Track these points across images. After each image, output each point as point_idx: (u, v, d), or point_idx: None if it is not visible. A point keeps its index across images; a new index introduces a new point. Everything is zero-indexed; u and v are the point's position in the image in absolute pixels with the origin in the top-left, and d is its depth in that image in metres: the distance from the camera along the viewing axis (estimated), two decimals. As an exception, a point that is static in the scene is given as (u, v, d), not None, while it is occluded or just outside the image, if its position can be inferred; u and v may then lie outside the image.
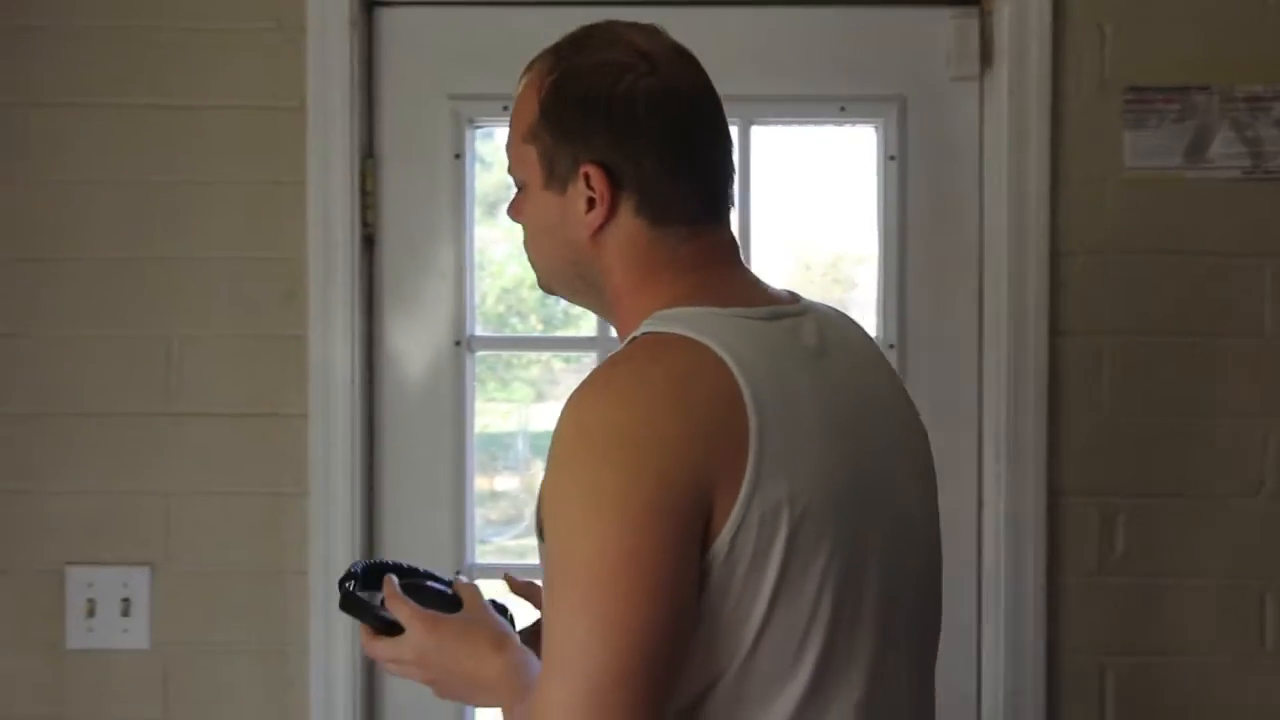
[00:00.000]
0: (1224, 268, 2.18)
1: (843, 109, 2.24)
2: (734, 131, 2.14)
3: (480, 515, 2.35)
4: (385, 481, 2.26)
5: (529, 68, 1.47)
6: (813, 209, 2.37)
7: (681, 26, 2.09)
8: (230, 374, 2.22)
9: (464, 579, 1.58)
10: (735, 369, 1.28)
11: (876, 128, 2.24)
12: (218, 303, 2.22)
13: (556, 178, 1.40)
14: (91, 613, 2.22)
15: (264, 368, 2.22)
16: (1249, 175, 2.16)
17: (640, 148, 1.38)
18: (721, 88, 2.16)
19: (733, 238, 1.45)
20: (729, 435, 1.26)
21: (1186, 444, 2.18)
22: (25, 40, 2.22)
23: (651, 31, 1.47)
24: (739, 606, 1.25)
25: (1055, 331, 2.16)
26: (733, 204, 1.46)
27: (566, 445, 1.29)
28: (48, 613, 2.22)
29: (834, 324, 1.45)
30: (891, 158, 2.22)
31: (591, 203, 1.37)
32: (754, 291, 1.44)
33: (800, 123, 2.33)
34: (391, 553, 2.26)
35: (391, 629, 1.52)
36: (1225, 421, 2.17)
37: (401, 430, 2.26)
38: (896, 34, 2.23)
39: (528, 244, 1.52)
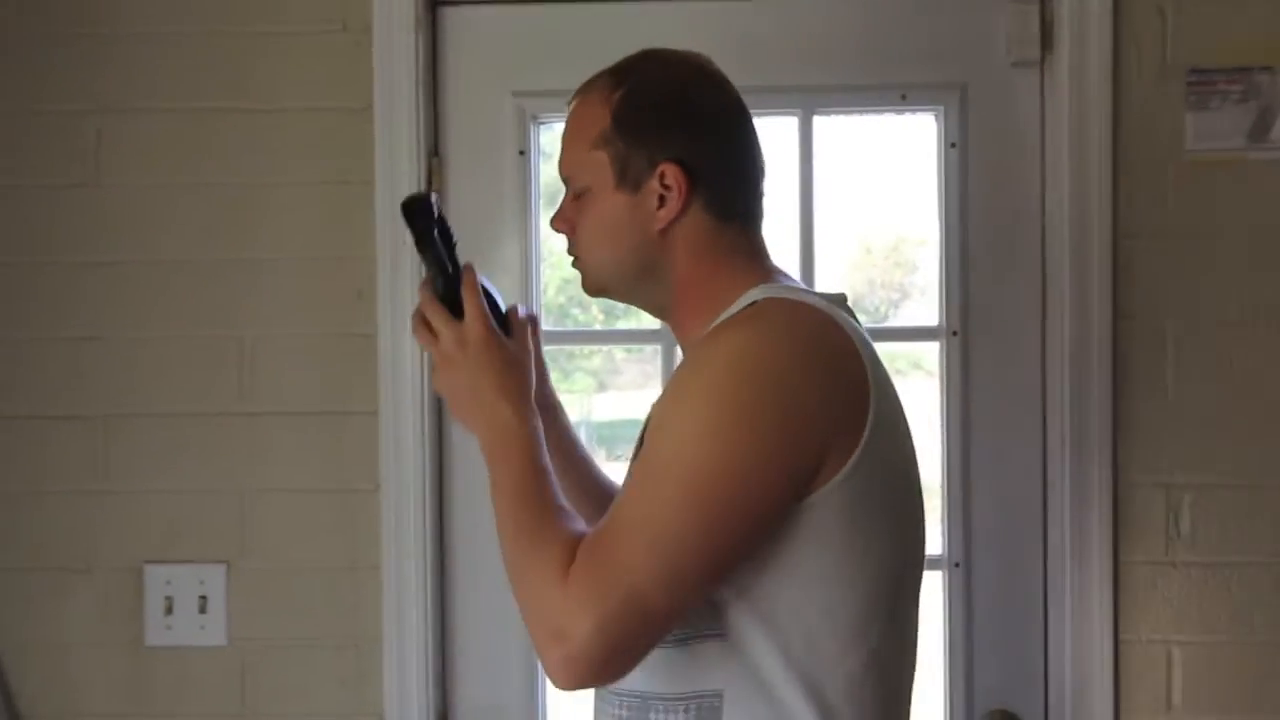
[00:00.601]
0: (1287, 248, 2.15)
1: (903, 97, 2.23)
2: (795, 121, 2.21)
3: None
4: (455, 475, 2.27)
5: (585, 88, 1.57)
6: (874, 195, 2.38)
7: (744, 18, 2.16)
8: (302, 372, 2.25)
9: (521, 310, 1.59)
10: (853, 337, 1.44)
11: (937, 115, 2.23)
12: (289, 302, 2.24)
13: (629, 179, 1.50)
14: (170, 610, 2.26)
15: (335, 366, 2.25)
16: (1313, 156, 2.13)
17: (711, 148, 1.52)
18: (783, 78, 2.26)
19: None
20: (856, 393, 1.41)
21: (1252, 427, 2.15)
22: (100, 47, 2.25)
23: (698, 55, 1.59)
24: (841, 546, 1.40)
25: (1119, 315, 2.16)
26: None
27: (718, 367, 1.39)
28: (127, 611, 2.25)
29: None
30: (953, 145, 2.22)
31: (662, 199, 1.49)
32: (801, 284, 1.59)
33: (861, 112, 2.31)
34: (461, 551, 2.30)
35: (454, 304, 1.52)
36: (1291, 404, 2.15)
37: None
38: (956, 20, 2.22)
39: (584, 248, 1.59)
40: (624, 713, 1.52)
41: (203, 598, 2.26)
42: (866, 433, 1.41)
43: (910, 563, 1.51)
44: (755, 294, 1.49)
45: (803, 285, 1.59)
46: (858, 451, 1.40)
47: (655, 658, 1.44)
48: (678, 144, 1.49)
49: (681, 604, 1.40)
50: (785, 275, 1.58)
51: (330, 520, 2.25)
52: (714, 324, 1.49)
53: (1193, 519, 2.16)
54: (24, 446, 2.26)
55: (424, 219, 1.54)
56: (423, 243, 1.53)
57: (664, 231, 1.51)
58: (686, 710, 1.48)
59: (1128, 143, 2.16)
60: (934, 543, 2.23)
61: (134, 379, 2.25)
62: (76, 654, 2.26)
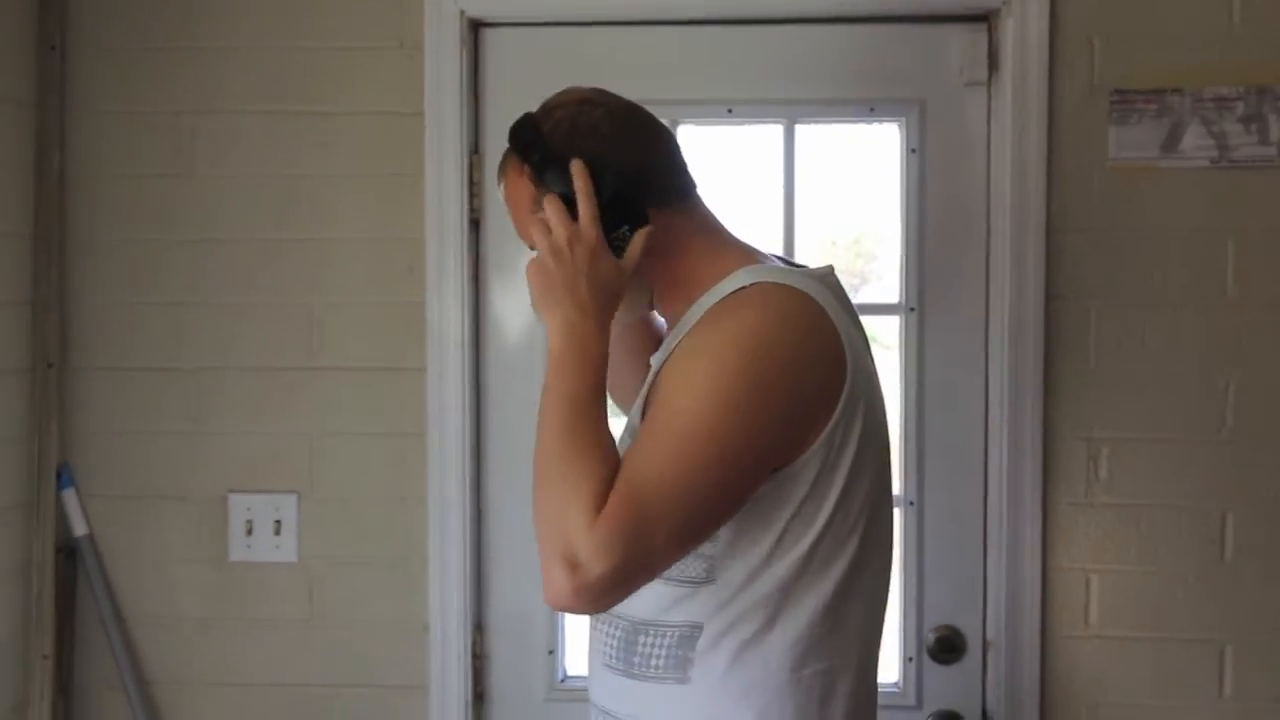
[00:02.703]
0: (1193, 243, 2.27)
1: (872, 109, 2.35)
2: (779, 130, 2.36)
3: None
4: (490, 423, 2.40)
5: (502, 169, 1.63)
6: (841, 195, 2.48)
7: (734, 41, 2.35)
8: (362, 335, 2.37)
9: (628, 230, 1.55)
10: (830, 313, 1.51)
11: (900, 125, 2.35)
12: (352, 276, 2.37)
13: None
14: (249, 532, 2.40)
15: (389, 329, 2.37)
16: (1215, 164, 2.25)
17: (623, 160, 1.55)
18: (771, 93, 2.35)
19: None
20: (837, 366, 1.50)
21: (1160, 390, 2.28)
22: (193, 59, 2.38)
23: (574, 91, 1.63)
24: (820, 494, 1.50)
25: (1050, 296, 2.28)
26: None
27: (732, 348, 1.45)
28: (214, 532, 2.40)
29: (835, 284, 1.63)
30: (913, 151, 2.34)
31: (621, 237, 1.53)
32: (759, 251, 1.63)
33: (836, 122, 2.43)
34: (495, 486, 2.41)
35: (570, 203, 1.51)
36: (1193, 371, 2.28)
37: (503, 381, 2.41)
38: (916, 46, 2.33)
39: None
40: (618, 633, 1.60)
41: (277, 522, 2.40)
42: (840, 405, 1.49)
43: (875, 516, 1.57)
44: (744, 277, 1.53)
45: (781, 262, 1.64)
46: (830, 423, 1.48)
47: (650, 591, 1.50)
48: (605, 183, 1.53)
49: (686, 553, 1.47)
50: (760, 253, 1.63)
51: (384, 459, 2.37)
52: (702, 302, 1.54)
53: (1109, 467, 2.29)
54: (132, 393, 2.40)
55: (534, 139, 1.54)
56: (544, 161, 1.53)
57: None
58: (670, 637, 1.56)
59: (1060, 151, 2.27)
60: (893, 484, 2.41)
61: (222, 338, 2.38)
62: (172, 567, 2.41)
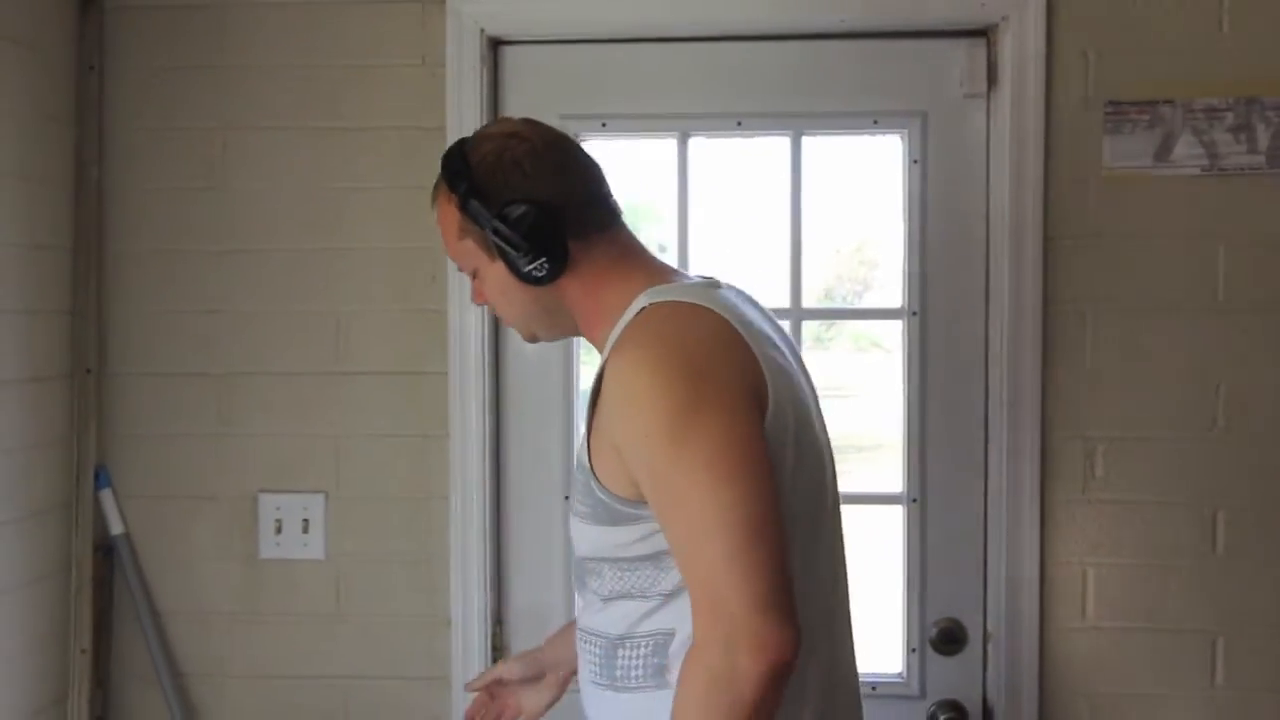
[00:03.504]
0: (1185, 248, 2.31)
1: (875, 121, 2.42)
2: (787, 141, 2.41)
3: (582, 452, 2.57)
4: (509, 425, 2.46)
5: (434, 195, 1.69)
6: (846, 204, 2.55)
7: (743, 57, 2.42)
8: (386, 340, 2.43)
9: None
10: (727, 317, 1.54)
11: (902, 136, 2.41)
12: (376, 284, 2.42)
13: (501, 260, 1.62)
14: (279, 530, 2.46)
15: (412, 335, 2.42)
16: (1206, 172, 2.30)
17: (548, 191, 1.60)
18: (779, 105, 2.40)
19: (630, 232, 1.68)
20: (749, 355, 1.53)
21: (1154, 391, 2.33)
22: (225, 77, 2.44)
23: (504, 123, 1.69)
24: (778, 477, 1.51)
25: (1048, 300, 2.33)
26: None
27: (650, 381, 1.47)
28: (244, 530, 2.46)
29: (746, 293, 1.69)
30: (915, 161, 2.40)
31: (540, 268, 1.60)
32: (675, 271, 1.68)
33: (841, 133, 2.48)
34: (513, 485, 2.45)
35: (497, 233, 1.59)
36: (1185, 373, 2.33)
37: (521, 384, 2.46)
38: (919, 61, 2.39)
39: (501, 312, 1.73)
40: (599, 651, 1.64)
41: (305, 520, 2.45)
42: (770, 398, 1.51)
43: (811, 509, 1.60)
44: (642, 300, 1.56)
45: (682, 279, 1.65)
46: (768, 416, 1.51)
47: (624, 609, 1.59)
48: (525, 220, 1.58)
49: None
50: (667, 271, 1.65)
51: (408, 459, 2.42)
52: (616, 331, 1.58)
53: (1105, 465, 2.34)
54: (166, 397, 2.46)
55: None
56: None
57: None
58: (645, 647, 1.60)
59: (1056, 161, 2.33)
60: (896, 483, 2.44)
61: (253, 344, 2.44)
62: (204, 564, 2.47)
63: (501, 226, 1.60)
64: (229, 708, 2.50)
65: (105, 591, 2.49)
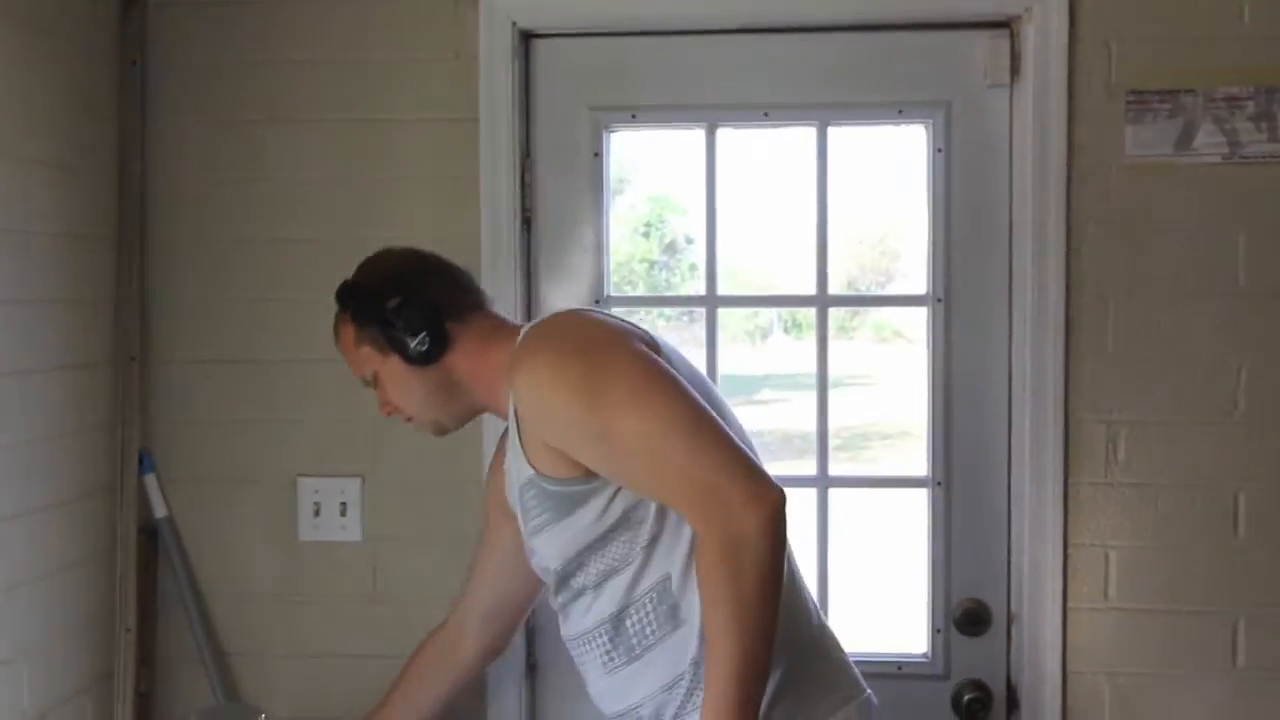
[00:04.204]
0: (1205, 235, 2.33)
1: (900, 111, 2.44)
2: (812, 132, 2.42)
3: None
4: None
5: (334, 326, 1.95)
6: (871, 193, 2.59)
7: (770, 49, 2.44)
8: None
9: None
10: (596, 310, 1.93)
11: (927, 126, 2.43)
12: None
13: (393, 349, 1.87)
14: (317, 513, 2.50)
15: None
16: (1227, 160, 2.31)
17: (425, 289, 1.87)
18: (805, 96, 2.43)
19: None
20: (629, 324, 1.83)
21: (1176, 375, 2.35)
22: (265, 71, 2.48)
23: (384, 251, 1.98)
24: None
25: (1070, 286, 2.34)
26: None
27: (549, 373, 1.71)
28: (284, 513, 2.50)
29: None
30: (939, 150, 2.42)
31: (423, 343, 1.84)
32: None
33: (866, 124, 2.52)
34: None
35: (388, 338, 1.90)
36: (1207, 357, 2.34)
37: None
38: (943, 51, 2.41)
39: (409, 409, 1.94)
40: (603, 637, 1.81)
41: (343, 503, 2.49)
42: (662, 350, 1.77)
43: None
44: (520, 338, 1.82)
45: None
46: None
47: (614, 585, 1.77)
48: (404, 307, 1.85)
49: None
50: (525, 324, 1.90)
51: (442, 444, 2.26)
52: (511, 385, 1.78)
53: (1127, 449, 2.36)
54: (208, 384, 2.50)
55: None
56: None
57: (439, 363, 1.87)
58: (650, 600, 1.77)
59: (1079, 149, 2.34)
60: (920, 467, 2.48)
61: (292, 332, 2.46)
62: (245, 546, 2.51)
63: (385, 318, 1.85)
64: (269, 685, 2.55)
65: (150, 573, 2.54)
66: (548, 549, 1.83)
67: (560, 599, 1.90)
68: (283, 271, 2.51)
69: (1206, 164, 2.35)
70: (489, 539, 2.13)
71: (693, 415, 1.67)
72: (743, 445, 1.69)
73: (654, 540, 1.76)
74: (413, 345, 1.84)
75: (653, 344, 1.78)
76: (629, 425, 1.66)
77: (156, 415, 2.53)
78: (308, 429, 2.51)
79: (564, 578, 1.85)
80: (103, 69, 2.46)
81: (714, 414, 1.69)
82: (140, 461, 2.50)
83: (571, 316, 1.86)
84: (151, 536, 2.53)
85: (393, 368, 1.88)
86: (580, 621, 1.86)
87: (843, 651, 1.93)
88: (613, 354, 1.71)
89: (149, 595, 2.54)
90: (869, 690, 1.90)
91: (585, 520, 1.77)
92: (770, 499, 1.62)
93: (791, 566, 1.86)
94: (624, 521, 1.76)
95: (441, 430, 1.97)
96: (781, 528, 1.64)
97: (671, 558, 1.76)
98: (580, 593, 1.85)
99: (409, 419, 1.96)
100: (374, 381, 1.93)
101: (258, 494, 2.53)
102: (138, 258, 2.50)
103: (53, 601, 2.30)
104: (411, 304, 1.85)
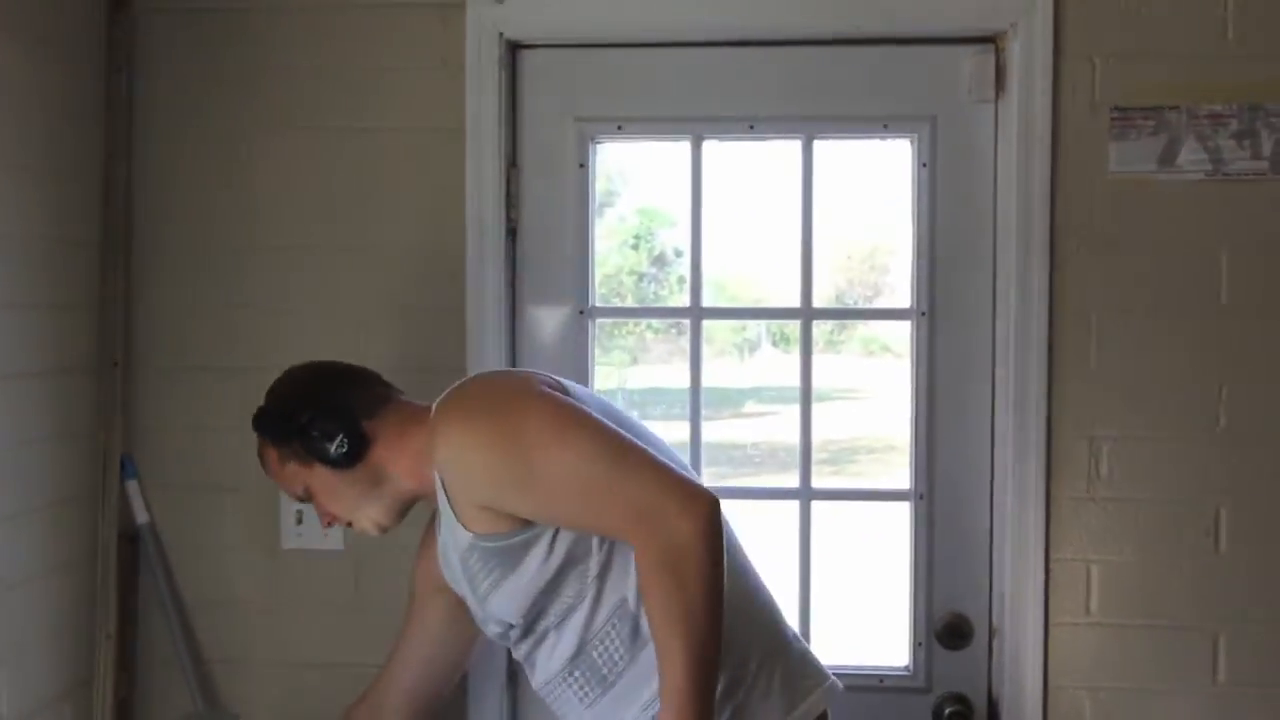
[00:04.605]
0: (1188, 252, 2.33)
1: (885, 126, 2.44)
2: (798, 145, 2.42)
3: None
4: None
5: (259, 451, 2.01)
6: (857, 207, 2.59)
7: (756, 62, 2.44)
8: (404, 338, 2.44)
9: None
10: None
11: (912, 141, 2.43)
12: (397, 282, 2.44)
13: (318, 459, 1.93)
14: (300, 522, 2.48)
15: (431, 332, 2.43)
16: (1210, 177, 2.32)
17: (337, 397, 1.93)
18: (789, 110, 2.43)
19: None
20: (531, 372, 1.92)
21: (1158, 391, 2.34)
22: (252, 78, 2.47)
23: (289, 370, 2.04)
24: None
25: (1054, 302, 2.34)
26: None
27: (465, 437, 1.77)
28: (267, 521, 2.49)
29: None
30: (924, 165, 2.42)
31: (341, 443, 1.90)
32: None
33: (852, 137, 2.52)
34: None
35: (308, 450, 1.95)
36: (1189, 374, 2.34)
37: None
38: (929, 66, 2.41)
39: (349, 515, 1.99)
40: (576, 673, 1.87)
41: None
42: (570, 391, 1.83)
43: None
44: (432, 412, 1.87)
45: None
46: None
47: (575, 622, 1.82)
48: (316, 417, 1.91)
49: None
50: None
51: None
52: (433, 466, 1.84)
53: (1109, 464, 2.35)
54: (188, 391, 2.49)
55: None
56: None
57: (366, 461, 1.92)
58: (614, 629, 1.82)
59: (1063, 165, 2.34)
60: (902, 479, 2.48)
61: (273, 339, 2.45)
62: (227, 554, 2.50)
63: (302, 431, 1.91)
64: (250, 694, 2.53)
65: (130, 579, 2.52)
66: (504, 606, 1.87)
67: (524, 649, 1.94)
68: (268, 279, 2.50)
69: (1190, 181, 2.35)
70: (415, 616, 2.17)
71: (609, 441, 1.73)
72: (668, 459, 1.75)
73: (604, 569, 1.81)
74: (333, 450, 1.90)
75: (559, 386, 1.84)
76: (550, 464, 1.72)
77: (139, 421, 2.52)
78: (291, 437, 2.48)
79: (527, 628, 1.89)
80: (90, 75, 2.45)
81: (628, 434, 1.75)
82: (122, 467, 2.49)
83: (473, 381, 1.92)
84: (133, 542, 2.52)
85: (321, 477, 1.94)
86: (548, 666, 1.90)
87: (801, 641, 1.98)
88: (519, 401, 1.78)
89: (129, 602, 2.52)
90: (832, 676, 1.96)
91: (533, 566, 1.81)
92: (703, 506, 1.67)
93: (742, 561, 1.92)
94: (570, 559, 1.81)
95: (382, 529, 2.01)
96: (718, 532, 1.68)
97: (625, 582, 1.81)
98: (544, 636, 1.90)
99: (348, 524, 2.01)
100: (308, 496, 1.98)
101: (240, 501, 2.52)
102: (122, 263, 2.49)
103: (33, 607, 2.29)
104: (323, 412, 1.91)
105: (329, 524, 2.01)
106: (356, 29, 2.47)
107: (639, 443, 1.75)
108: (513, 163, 2.48)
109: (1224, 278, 2.36)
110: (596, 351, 2.54)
